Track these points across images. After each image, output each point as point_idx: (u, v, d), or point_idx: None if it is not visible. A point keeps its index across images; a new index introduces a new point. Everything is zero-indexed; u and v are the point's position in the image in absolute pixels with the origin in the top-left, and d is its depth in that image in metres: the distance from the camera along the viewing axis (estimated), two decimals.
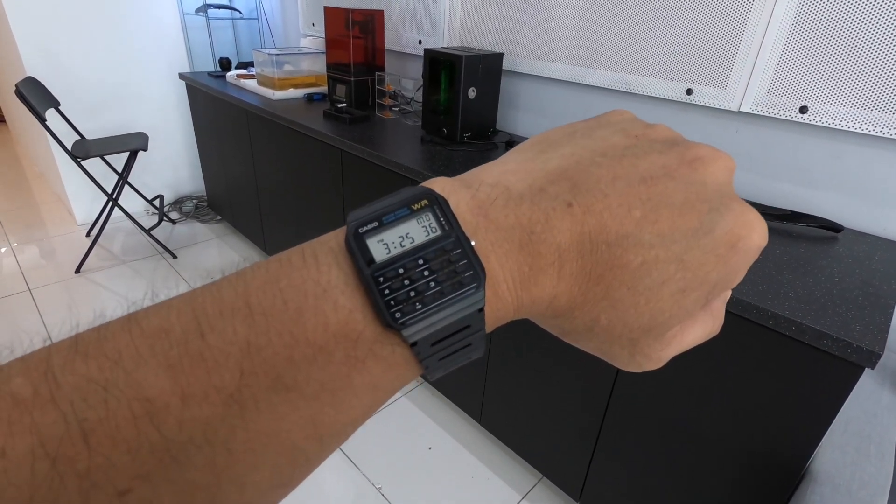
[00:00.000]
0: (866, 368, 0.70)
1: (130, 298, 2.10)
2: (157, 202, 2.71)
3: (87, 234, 2.52)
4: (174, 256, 2.39)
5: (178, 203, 2.89)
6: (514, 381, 1.29)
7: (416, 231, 0.17)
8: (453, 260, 0.16)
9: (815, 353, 0.74)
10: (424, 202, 0.17)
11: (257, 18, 2.77)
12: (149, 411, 0.14)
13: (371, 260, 0.16)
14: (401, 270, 0.16)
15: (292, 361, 0.15)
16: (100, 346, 0.14)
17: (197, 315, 0.15)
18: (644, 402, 1.00)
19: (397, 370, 0.17)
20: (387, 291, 0.16)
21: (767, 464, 0.85)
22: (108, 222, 2.32)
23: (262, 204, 2.17)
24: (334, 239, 0.17)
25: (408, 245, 0.16)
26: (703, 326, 0.20)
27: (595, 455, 1.14)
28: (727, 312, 0.82)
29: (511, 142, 1.46)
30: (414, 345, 0.16)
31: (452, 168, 1.29)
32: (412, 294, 0.16)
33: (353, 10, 1.74)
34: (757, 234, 0.18)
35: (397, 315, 0.16)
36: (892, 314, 0.76)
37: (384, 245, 0.16)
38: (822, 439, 0.79)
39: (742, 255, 0.18)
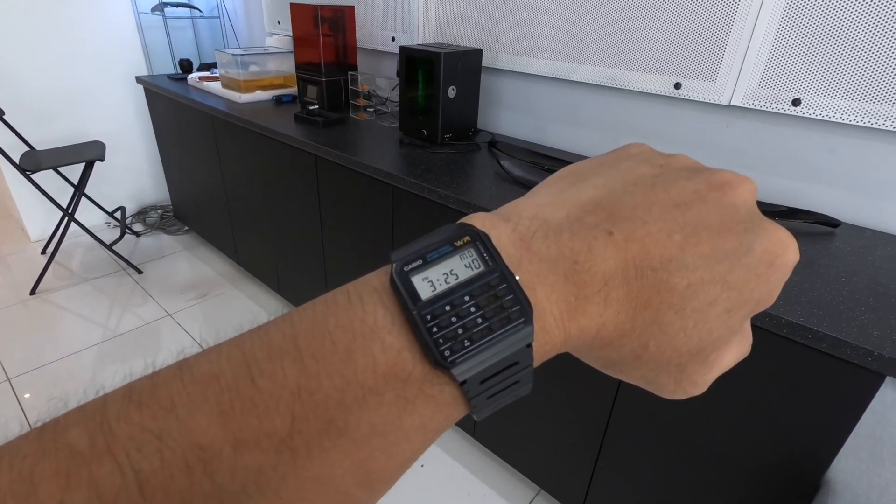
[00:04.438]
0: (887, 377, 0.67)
1: (93, 319, 1.96)
2: (118, 214, 2.55)
3: (43, 252, 2.35)
4: (139, 272, 2.25)
5: (142, 214, 2.74)
6: None
7: (460, 268, 0.17)
8: (500, 295, 0.16)
9: (832, 361, 0.71)
10: (467, 238, 0.17)
11: (219, 17, 2.64)
12: (202, 459, 0.13)
13: (417, 298, 0.16)
14: (447, 308, 0.16)
15: (343, 404, 0.15)
16: (153, 394, 0.14)
17: (247, 359, 0.15)
18: (650, 411, 0.96)
19: (446, 410, 0.16)
20: (435, 329, 0.15)
21: (781, 476, 0.82)
22: (67, 237, 2.17)
23: (233, 214, 2.06)
24: (377, 279, 0.17)
25: (452, 282, 0.16)
26: (737, 347, 0.20)
27: (598, 466, 1.10)
28: None
29: (494, 142, 1.40)
30: (463, 383, 0.16)
31: (434, 171, 1.23)
32: (460, 331, 0.16)
33: (322, 7, 1.65)
34: (791, 250, 0.18)
35: (447, 353, 0.15)
36: None
37: (429, 283, 0.16)
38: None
39: (780, 272, 0.18)
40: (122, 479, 0.13)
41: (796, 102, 1.04)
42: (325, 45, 1.68)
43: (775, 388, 0.78)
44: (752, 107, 1.10)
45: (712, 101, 1.15)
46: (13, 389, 1.62)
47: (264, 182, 1.77)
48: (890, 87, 0.93)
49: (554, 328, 0.17)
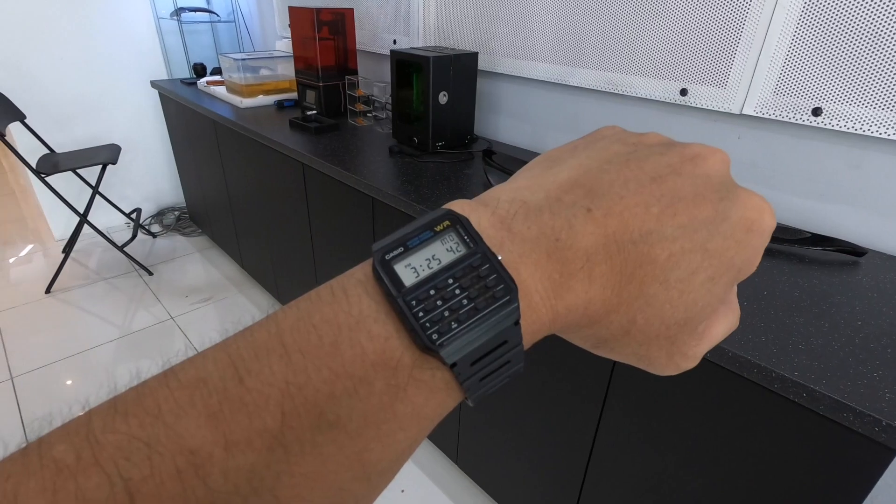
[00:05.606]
0: None
1: (102, 318, 2.00)
2: (134, 215, 2.61)
3: (64, 251, 2.43)
4: (150, 273, 2.29)
5: (160, 215, 2.80)
6: (489, 419, 1.15)
7: (442, 252, 0.17)
8: (483, 275, 0.16)
9: (834, 426, 0.59)
10: (446, 223, 0.17)
11: (234, 21, 2.66)
12: (193, 464, 0.13)
13: (401, 284, 0.16)
14: (432, 292, 0.16)
15: (333, 397, 0.15)
16: (139, 403, 0.14)
17: (233, 360, 0.15)
18: (629, 453, 0.85)
19: (439, 396, 0.16)
20: (421, 314, 0.15)
21: None
22: (90, 237, 2.23)
23: (236, 218, 2.06)
24: (360, 271, 0.17)
25: (435, 266, 0.16)
26: (726, 319, 0.20)
27: None
28: (724, 369, 0.67)
29: (490, 150, 1.32)
30: (454, 366, 0.16)
31: (415, 183, 1.15)
32: (446, 313, 0.16)
33: (321, 10, 1.61)
34: (768, 215, 0.19)
35: (434, 336, 0.15)
36: None
37: (412, 269, 0.16)
38: None
39: (758, 237, 0.18)
40: (111, 490, 0.13)
41: (817, 112, 0.91)
42: (323, 49, 1.64)
43: (767, 450, 0.67)
44: (766, 116, 0.97)
45: (722, 110, 1.03)
46: (14, 388, 1.66)
47: (261, 188, 1.75)
48: None
49: (541, 306, 0.17)
